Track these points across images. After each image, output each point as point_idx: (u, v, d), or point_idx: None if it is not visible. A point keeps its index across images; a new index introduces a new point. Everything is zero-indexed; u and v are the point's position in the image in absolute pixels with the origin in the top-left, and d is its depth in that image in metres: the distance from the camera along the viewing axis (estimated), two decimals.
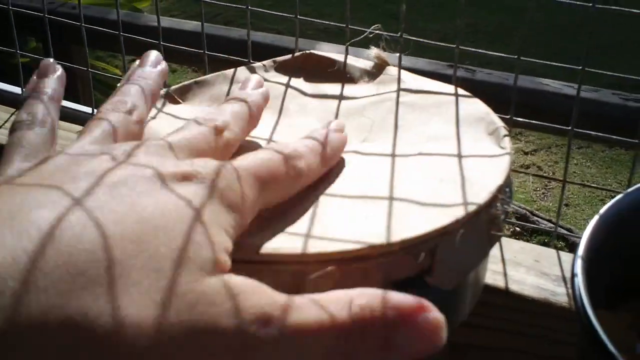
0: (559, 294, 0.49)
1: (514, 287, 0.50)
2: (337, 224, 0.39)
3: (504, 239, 0.53)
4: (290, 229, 0.38)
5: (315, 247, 0.37)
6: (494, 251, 0.53)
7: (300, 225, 0.38)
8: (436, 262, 0.38)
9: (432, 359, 0.32)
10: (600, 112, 1.03)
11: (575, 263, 0.41)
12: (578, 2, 0.49)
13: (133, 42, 0.68)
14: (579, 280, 0.40)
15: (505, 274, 0.51)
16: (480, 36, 3.49)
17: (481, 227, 0.40)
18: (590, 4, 0.48)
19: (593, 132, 0.51)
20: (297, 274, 0.36)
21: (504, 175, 0.42)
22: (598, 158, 2.88)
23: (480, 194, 0.40)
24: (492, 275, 0.51)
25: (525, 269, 0.51)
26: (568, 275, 0.51)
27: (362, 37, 0.53)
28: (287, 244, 0.37)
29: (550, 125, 0.51)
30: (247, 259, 0.36)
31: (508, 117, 0.51)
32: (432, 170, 0.43)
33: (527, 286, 0.50)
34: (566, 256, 0.52)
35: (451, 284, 0.39)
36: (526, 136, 2.54)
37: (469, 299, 0.44)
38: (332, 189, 0.42)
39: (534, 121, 0.51)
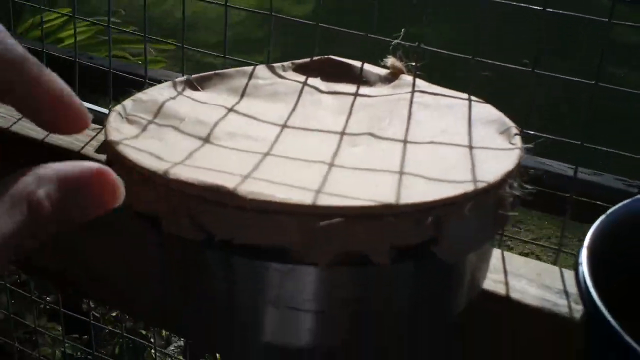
0: (560, 305, 0.50)
1: (515, 295, 0.51)
2: (346, 187, 0.40)
3: (506, 254, 0.55)
4: (300, 184, 0.40)
5: (325, 201, 0.38)
6: (497, 263, 0.54)
7: (310, 183, 0.40)
8: (442, 232, 0.39)
9: None
10: (602, 196, 1.03)
11: (580, 252, 0.42)
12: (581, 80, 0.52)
13: None
14: (584, 268, 0.41)
15: (506, 283, 0.52)
16: None
17: (489, 206, 0.42)
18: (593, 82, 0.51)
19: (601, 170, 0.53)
20: (304, 224, 0.38)
21: (513, 163, 0.44)
22: None
23: (489, 175, 0.42)
24: (494, 283, 0.52)
25: (527, 281, 0.52)
26: (570, 290, 0.52)
27: (389, 43, 0.55)
28: (297, 196, 0.38)
29: (561, 139, 0.53)
30: (254, 206, 0.38)
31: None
32: (444, 156, 0.45)
33: (529, 296, 0.51)
34: (569, 273, 0.53)
35: (455, 257, 0.41)
36: (526, 224, 2.57)
37: (466, 288, 0.45)
38: (343, 161, 0.44)
39: (545, 135, 0.53)
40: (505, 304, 0.51)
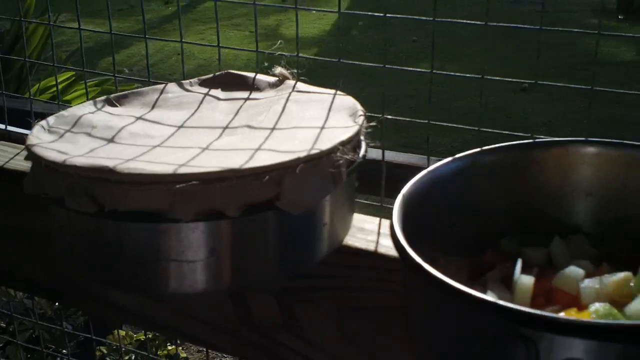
0: None
1: (382, 250, 0.62)
2: (209, 161, 0.52)
3: (384, 221, 0.66)
4: (172, 162, 0.52)
5: (184, 170, 0.50)
6: (375, 228, 0.65)
7: (181, 161, 0.52)
8: (282, 189, 0.51)
9: None
10: None
11: (396, 201, 0.53)
12: None
13: None
14: (395, 214, 0.52)
15: (377, 242, 0.63)
16: None
17: (323, 167, 0.53)
18: None
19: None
20: (167, 190, 0.50)
21: (348, 135, 0.55)
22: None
23: (324, 144, 0.53)
24: (367, 242, 0.63)
25: None
26: None
27: (271, 50, 0.68)
28: (164, 169, 0.50)
29: (407, 119, 0.64)
30: (129, 179, 0.50)
31: None
32: (299, 136, 0.57)
33: (393, 250, 0.62)
34: None
35: (297, 209, 0.52)
36: None
37: (325, 238, 0.56)
38: (217, 146, 0.56)
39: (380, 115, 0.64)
40: (373, 257, 0.61)
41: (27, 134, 0.84)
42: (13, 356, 1.63)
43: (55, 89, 2.59)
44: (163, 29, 4.91)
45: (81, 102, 2.06)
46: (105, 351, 1.71)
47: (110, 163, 0.51)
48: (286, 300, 0.65)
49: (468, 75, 0.66)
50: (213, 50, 0.72)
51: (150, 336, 1.65)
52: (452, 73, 0.66)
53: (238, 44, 4.66)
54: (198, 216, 0.50)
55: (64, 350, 1.74)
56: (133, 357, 1.67)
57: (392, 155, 0.69)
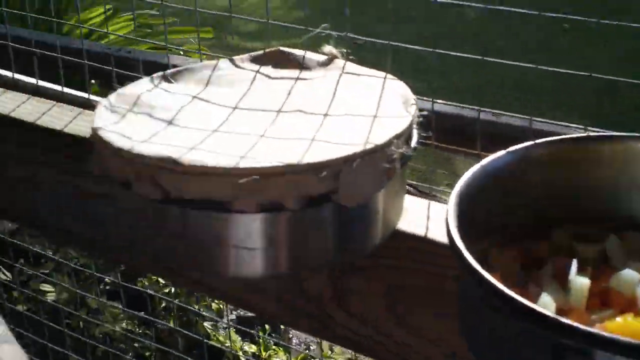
0: None
1: (431, 235, 0.64)
2: (267, 152, 0.54)
3: (432, 203, 0.67)
4: (232, 152, 0.54)
5: (245, 164, 0.52)
6: (424, 211, 0.66)
7: (240, 151, 0.54)
8: (340, 184, 0.53)
9: None
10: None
11: (451, 195, 0.54)
12: None
13: None
14: (450, 213, 0.53)
15: (427, 227, 0.65)
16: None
17: (377, 162, 0.55)
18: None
19: None
20: (232, 182, 0.52)
21: (402, 128, 0.57)
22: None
23: (379, 138, 0.55)
24: (416, 227, 0.65)
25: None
26: None
27: (314, 33, 0.69)
28: (226, 161, 0.53)
29: (456, 104, 0.65)
30: (193, 171, 0.52)
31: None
32: (352, 123, 0.58)
33: (442, 234, 0.64)
34: None
35: (353, 202, 0.54)
36: None
37: (380, 226, 0.59)
38: (272, 133, 0.58)
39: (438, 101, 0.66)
40: (423, 242, 0.64)
41: (82, 97, 0.88)
42: (61, 281, 1.72)
43: (91, 22, 2.60)
44: None
45: (120, 33, 2.06)
46: (146, 282, 1.77)
47: (174, 153, 0.53)
48: (338, 275, 0.68)
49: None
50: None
51: None
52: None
53: (276, 6, 4.60)
54: (259, 207, 0.53)
55: (107, 279, 1.81)
56: (172, 290, 1.73)
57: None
